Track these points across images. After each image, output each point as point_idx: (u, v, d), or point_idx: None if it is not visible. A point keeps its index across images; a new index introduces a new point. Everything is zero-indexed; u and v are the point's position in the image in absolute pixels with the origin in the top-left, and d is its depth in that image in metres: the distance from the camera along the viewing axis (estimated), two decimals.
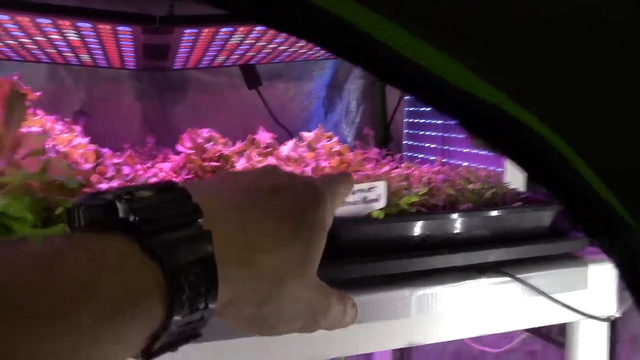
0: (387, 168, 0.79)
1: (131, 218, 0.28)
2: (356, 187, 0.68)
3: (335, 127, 1.45)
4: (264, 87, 1.31)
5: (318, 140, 0.91)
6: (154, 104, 1.33)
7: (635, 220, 0.24)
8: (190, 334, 0.30)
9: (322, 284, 0.39)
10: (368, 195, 0.69)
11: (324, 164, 0.84)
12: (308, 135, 0.96)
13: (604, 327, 0.79)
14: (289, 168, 0.91)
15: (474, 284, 0.71)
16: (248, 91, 1.34)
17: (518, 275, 0.72)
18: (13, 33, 0.83)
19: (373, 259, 0.69)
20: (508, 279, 0.72)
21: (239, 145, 1.05)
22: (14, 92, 0.69)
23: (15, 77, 0.72)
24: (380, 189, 0.69)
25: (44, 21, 0.77)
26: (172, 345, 0.29)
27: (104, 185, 0.73)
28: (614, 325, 0.83)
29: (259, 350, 0.63)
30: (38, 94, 0.74)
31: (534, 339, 1.08)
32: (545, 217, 0.76)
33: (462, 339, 1.28)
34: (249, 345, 0.62)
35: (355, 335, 0.67)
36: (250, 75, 1.21)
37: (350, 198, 0.68)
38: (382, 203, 0.69)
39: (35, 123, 0.78)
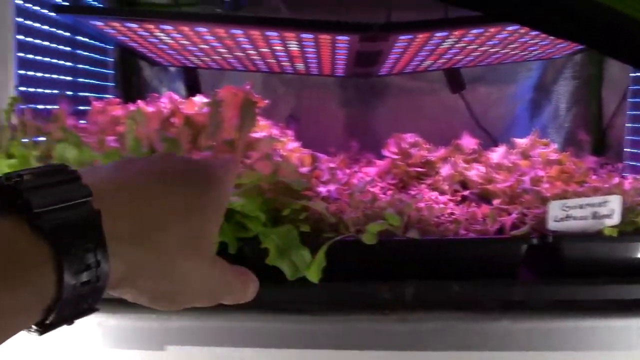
0: (616, 180, 0.72)
1: (20, 200, 0.29)
2: (585, 201, 0.63)
3: (542, 132, 1.36)
4: (465, 92, 1.28)
5: (533, 147, 0.86)
6: (357, 109, 1.37)
7: None
8: (86, 308, 0.31)
9: (220, 260, 0.39)
10: (599, 211, 0.63)
11: (541, 173, 0.78)
12: (521, 141, 0.91)
13: None
14: (499, 176, 0.87)
15: None
16: (448, 96, 1.32)
17: None
18: (243, 46, 0.92)
19: (603, 281, 0.62)
20: None
21: (443, 151, 1.04)
22: (247, 100, 0.76)
23: (248, 87, 0.78)
24: (614, 203, 0.62)
25: (272, 34, 0.83)
26: (67, 319, 0.31)
27: (322, 189, 0.77)
28: None
29: None
30: (266, 101, 0.80)
31: None
32: None
33: None
34: None
35: None
36: (455, 79, 1.19)
37: (578, 213, 0.63)
38: (615, 220, 0.63)
39: (263, 128, 0.84)
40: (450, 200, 0.86)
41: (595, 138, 1.30)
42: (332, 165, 0.86)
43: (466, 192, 0.89)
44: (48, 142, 0.68)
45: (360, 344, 0.62)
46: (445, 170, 0.97)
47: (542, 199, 0.67)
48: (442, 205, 0.73)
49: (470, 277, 0.63)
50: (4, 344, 0.28)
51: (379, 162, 1.07)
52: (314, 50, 0.92)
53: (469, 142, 1.06)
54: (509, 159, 0.87)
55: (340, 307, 0.63)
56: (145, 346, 0.63)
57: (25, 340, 0.62)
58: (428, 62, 1.08)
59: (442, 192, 0.92)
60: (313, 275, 0.60)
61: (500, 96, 1.37)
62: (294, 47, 0.91)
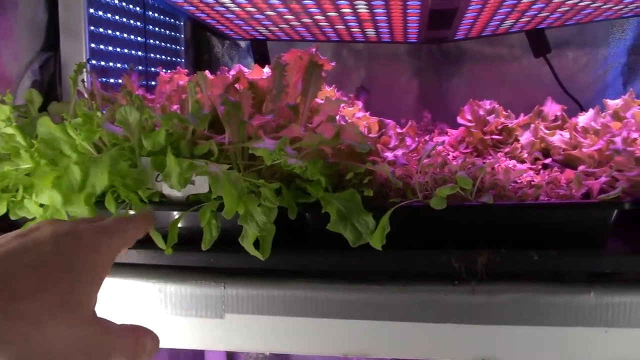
0: None
1: None
2: None
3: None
4: (550, 55, 1.18)
5: (627, 108, 0.77)
6: (430, 79, 1.31)
7: None
8: None
9: (104, 321, 0.41)
10: None
11: (635, 135, 0.70)
12: (613, 102, 0.82)
13: None
14: (586, 141, 0.79)
15: None
16: (530, 62, 1.23)
17: None
18: (310, 10, 0.88)
19: None
20: None
21: (523, 117, 0.96)
22: (313, 63, 0.72)
23: (313, 50, 0.75)
24: None
25: None
26: None
27: (388, 154, 0.73)
28: None
29: None
30: (332, 64, 0.76)
31: None
32: None
33: None
34: None
35: None
36: (538, 41, 1.10)
37: None
38: None
39: (328, 94, 0.81)
40: (530, 169, 0.79)
41: None
42: (400, 131, 0.82)
43: (547, 160, 0.82)
44: (114, 107, 0.68)
45: (427, 316, 0.58)
46: (525, 137, 0.90)
47: (636, 159, 0.59)
48: (520, 168, 0.67)
49: (552, 246, 0.57)
50: None
51: (453, 132, 1.01)
52: (384, 11, 0.87)
53: (553, 108, 0.98)
54: (598, 122, 0.79)
55: (405, 277, 0.59)
56: (204, 313, 0.62)
57: None
58: (508, 23, 1.00)
59: (521, 161, 0.85)
60: (377, 242, 0.56)
61: (589, 60, 1.26)
62: (362, 9, 0.87)
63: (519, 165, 0.78)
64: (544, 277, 0.57)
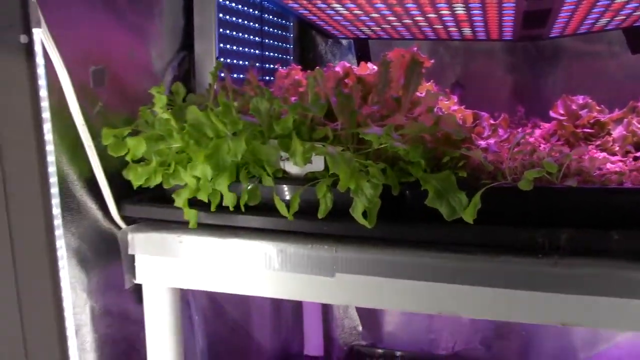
0: None
1: None
2: None
3: None
4: None
5: None
6: (525, 75, 1.36)
7: None
8: None
9: None
10: None
11: None
12: None
13: None
14: None
15: None
16: (629, 58, 1.24)
17: None
18: (411, 12, 0.98)
19: None
20: None
21: (617, 112, 1.00)
22: (414, 60, 0.82)
23: (415, 48, 0.84)
24: None
25: None
26: None
27: (481, 143, 0.81)
28: None
29: None
30: (432, 61, 0.85)
31: None
32: None
33: None
34: None
35: None
36: (636, 38, 1.12)
37: None
38: None
39: (427, 88, 0.90)
40: (620, 161, 0.84)
41: None
42: (493, 122, 0.89)
43: (639, 153, 0.86)
44: (245, 98, 0.81)
45: (511, 284, 0.66)
46: (617, 130, 0.94)
47: None
48: (605, 156, 0.73)
49: (632, 227, 0.63)
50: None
51: (546, 125, 1.06)
52: (480, 12, 0.95)
53: None
54: None
55: (494, 248, 0.67)
56: (318, 272, 0.73)
57: (210, 262, 0.75)
58: (604, 20, 1.04)
59: (612, 153, 0.90)
60: (468, 216, 0.65)
61: None
62: (460, 10, 0.95)
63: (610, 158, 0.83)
64: (621, 255, 0.63)
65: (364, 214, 0.68)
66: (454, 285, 0.68)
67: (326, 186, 0.70)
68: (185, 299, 1.04)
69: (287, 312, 1.63)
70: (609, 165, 0.73)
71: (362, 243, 0.72)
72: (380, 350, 1.53)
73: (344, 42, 1.51)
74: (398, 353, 1.52)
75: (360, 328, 1.64)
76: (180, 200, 0.76)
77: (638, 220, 0.63)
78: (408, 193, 0.71)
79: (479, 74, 1.39)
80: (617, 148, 0.91)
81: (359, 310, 1.62)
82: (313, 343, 1.63)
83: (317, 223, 0.72)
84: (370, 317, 1.61)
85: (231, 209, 0.74)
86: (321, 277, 0.73)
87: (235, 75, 1.14)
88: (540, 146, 0.93)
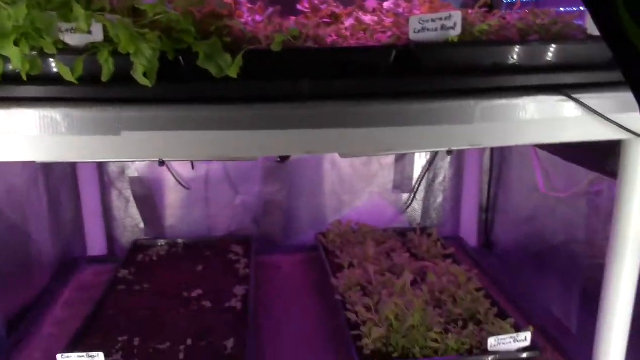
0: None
1: None
2: (435, 15, 0.85)
3: None
4: None
5: None
6: None
7: None
8: None
9: None
10: (445, 24, 0.85)
11: (417, 11, 1.00)
12: None
13: None
14: (388, 19, 1.09)
15: (533, 100, 0.86)
16: None
17: (575, 95, 0.86)
18: None
19: (448, 76, 0.86)
20: (565, 98, 0.86)
21: (349, 8, 1.24)
22: None
23: None
24: (456, 17, 0.85)
25: None
26: None
27: (242, 20, 0.95)
28: None
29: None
30: None
31: (599, 180, 1.20)
32: (603, 49, 0.88)
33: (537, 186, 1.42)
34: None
35: (427, 134, 0.85)
36: None
37: (431, 25, 0.85)
38: (457, 30, 0.85)
39: None
40: (346, 29, 1.07)
41: None
42: (250, 6, 1.04)
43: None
44: None
45: (271, 125, 0.83)
46: (348, 21, 1.18)
47: (407, 20, 0.89)
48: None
49: (354, 76, 0.85)
50: None
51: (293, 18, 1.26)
52: None
53: (371, 2, 1.26)
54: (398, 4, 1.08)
55: (255, 98, 0.83)
56: (104, 132, 0.82)
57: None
58: None
59: (345, 37, 1.13)
60: (233, 72, 0.80)
61: None
62: None
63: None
64: (351, 97, 0.85)
65: (145, 76, 0.78)
66: (226, 132, 0.83)
67: (107, 52, 0.78)
68: None
69: (66, 216, 1.64)
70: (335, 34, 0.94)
71: (145, 103, 0.82)
72: (162, 241, 1.66)
73: None
74: (180, 241, 1.66)
75: (142, 225, 1.73)
76: None
77: (358, 71, 0.85)
78: (182, 57, 0.83)
79: None
80: (348, 34, 1.15)
81: (140, 208, 1.71)
82: (96, 244, 1.68)
83: (101, 88, 0.80)
84: (151, 213, 1.71)
85: (23, 75, 0.77)
86: (108, 136, 0.82)
87: None
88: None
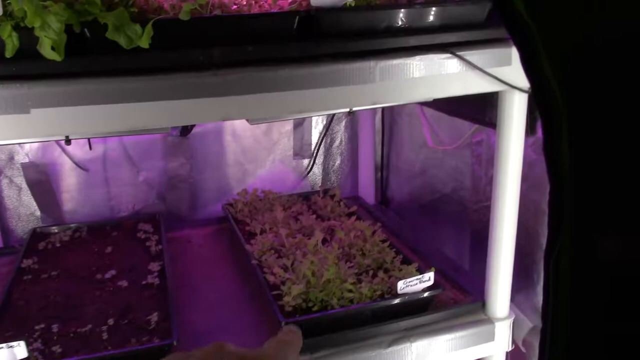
0: None
1: None
2: None
3: None
4: None
5: None
6: None
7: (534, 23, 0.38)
8: None
9: None
10: None
11: None
12: None
13: (524, 97, 1.05)
14: None
15: (424, 58, 0.95)
16: None
17: (458, 53, 0.97)
18: None
19: (349, 39, 0.93)
20: (450, 55, 0.96)
21: None
22: None
23: None
24: None
25: None
26: None
27: None
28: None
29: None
30: None
31: (480, 130, 1.35)
32: (480, 9, 0.99)
33: (426, 142, 1.56)
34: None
35: (334, 95, 0.92)
36: None
37: None
38: None
39: None
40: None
41: None
42: None
43: None
44: None
45: (184, 95, 0.86)
46: None
47: None
48: None
49: (261, 42, 0.89)
50: None
51: None
52: None
53: None
54: None
55: (167, 68, 0.85)
56: (13, 110, 0.80)
57: None
58: None
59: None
60: (144, 43, 0.81)
61: None
62: None
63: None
64: (260, 62, 0.89)
65: (53, 50, 0.77)
66: (139, 104, 0.84)
67: (10, 26, 0.76)
68: None
69: None
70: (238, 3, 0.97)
71: (54, 78, 0.81)
72: (64, 227, 1.60)
73: None
74: (83, 225, 1.62)
75: (38, 213, 1.66)
76: None
77: (265, 37, 0.89)
78: (89, 30, 0.82)
79: None
80: (252, 1, 1.18)
81: (35, 195, 1.63)
82: None
83: (6, 65, 0.78)
84: (47, 199, 1.64)
85: None
86: (17, 115, 0.80)
87: None
88: None
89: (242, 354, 0.49)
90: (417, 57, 0.95)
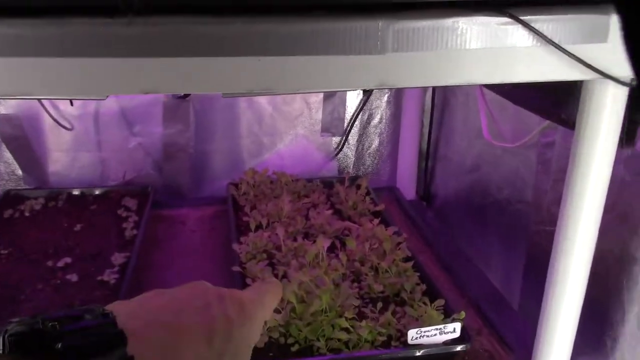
0: None
1: (57, 345, 0.31)
2: None
3: None
4: None
5: None
6: None
7: None
8: None
9: None
10: None
11: None
12: None
13: (623, 92, 0.68)
14: None
15: (466, 21, 0.61)
16: None
17: (522, 17, 0.62)
18: None
19: None
20: (509, 20, 0.62)
21: None
22: None
23: None
24: None
25: None
26: None
27: None
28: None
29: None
30: None
31: (551, 128, 0.98)
32: None
33: (481, 132, 1.20)
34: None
35: (312, 69, 0.60)
36: None
37: None
38: None
39: None
40: None
41: None
42: None
43: None
44: None
45: (81, 51, 0.56)
46: None
47: None
48: None
49: None
50: None
51: None
52: None
53: None
54: None
55: (57, 9, 0.56)
56: None
57: None
58: None
59: None
60: None
61: None
62: None
63: None
64: (195, 10, 0.58)
65: None
66: (8, 59, 0.56)
67: None
68: None
69: None
70: None
71: None
72: (41, 192, 1.38)
73: None
74: (62, 191, 1.39)
75: (20, 172, 1.45)
76: None
77: None
78: None
79: None
80: None
81: (14, 152, 1.42)
82: None
83: None
84: (28, 158, 1.43)
85: None
86: None
87: None
88: None
89: (221, 292, 0.46)
90: (451, 20, 0.61)
